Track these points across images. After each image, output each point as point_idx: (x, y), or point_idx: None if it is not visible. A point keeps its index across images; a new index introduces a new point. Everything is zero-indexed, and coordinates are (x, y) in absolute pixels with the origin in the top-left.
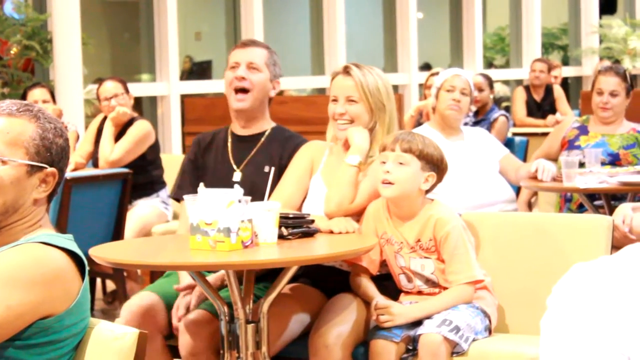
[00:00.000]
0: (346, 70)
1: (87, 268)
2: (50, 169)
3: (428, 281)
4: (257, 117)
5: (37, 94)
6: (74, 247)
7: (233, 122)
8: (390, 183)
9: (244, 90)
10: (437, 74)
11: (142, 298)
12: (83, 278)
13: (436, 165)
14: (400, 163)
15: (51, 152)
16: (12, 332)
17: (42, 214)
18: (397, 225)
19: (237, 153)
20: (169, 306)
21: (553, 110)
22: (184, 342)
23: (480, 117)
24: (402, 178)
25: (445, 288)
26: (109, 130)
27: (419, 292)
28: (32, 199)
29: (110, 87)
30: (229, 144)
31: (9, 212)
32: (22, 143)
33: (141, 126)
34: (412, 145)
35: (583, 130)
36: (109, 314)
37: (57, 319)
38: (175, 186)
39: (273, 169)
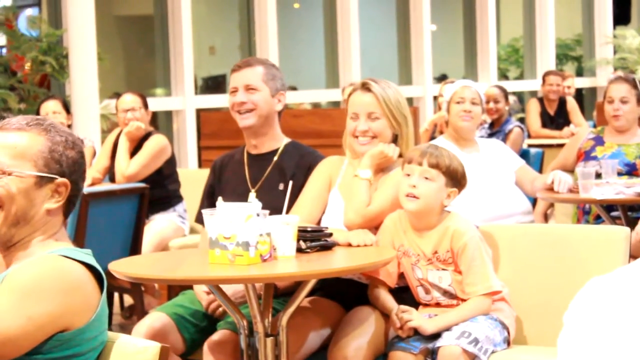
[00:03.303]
0: (365, 86)
1: (106, 282)
2: (60, 180)
3: (446, 293)
4: (267, 133)
5: (50, 106)
6: (93, 261)
7: (246, 141)
8: (415, 197)
9: (247, 110)
10: (452, 82)
11: (152, 319)
12: (101, 292)
13: (459, 182)
14: (426, 178)
15: (61, 164)
16: (33, 344)
17: (58, 228)
18: (415, 237)
19: (253, 172)
20: (179, 326)
21: (567, 123)
22: None
23: (496, 128)
24: (427, 193)
25: (463, 300)
26: (124, 145)
27: (437, 304)
28: (45, 209)
29: (129, 100)
30: (246, 164)
31: (20, 224)
32: (30, 156)
33: (157, 140)
34: (439, 161)
35: (599, 141)
36: (127, 329)
37: (78, 332)
38: (197, 212)
39: (291, 182)
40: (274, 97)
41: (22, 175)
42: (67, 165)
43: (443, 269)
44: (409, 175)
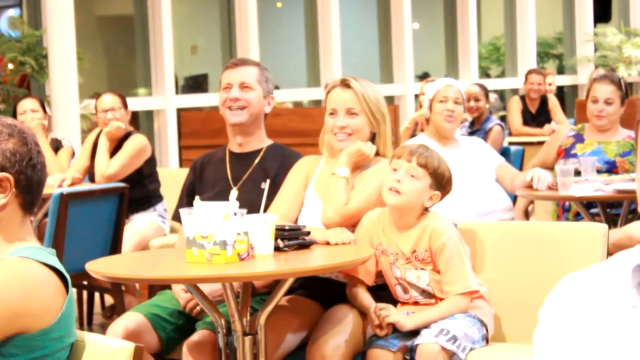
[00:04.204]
0: (344, 83)
1: (70, 281)
2: (0, 175)
3: (424, 292)
4: (254, 133)
5: (27, 104)
6: (55, 262)
7: (230, 140)
8: (398, 192)
9: (239, 107)
10: (433, 80)
11: (127, 320)
12: (67, 292)
13: (443, 186)
14: (412, 175)
15: None
16: None
17: (17, 225)
18: (393, 236)
19: (235, 171)
20: (155, 325)
21: (548, 120)
22: None
23: (476, 127)
24: (410, 191)
25: (441, 299)
26: (103, 145)
27: (415, 303)
28: None
29: (108, 100)
30: (227, 162)
31: None
32: None
33: (137, 140)
34: (428, 162)
35: (579, 138)
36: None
37: (41, 333)
38: (175, 210)
39: (268, 181)
40: (265, 98)
41: None
42: (4, 158)
43: (421, 269)
44: (395, 170)
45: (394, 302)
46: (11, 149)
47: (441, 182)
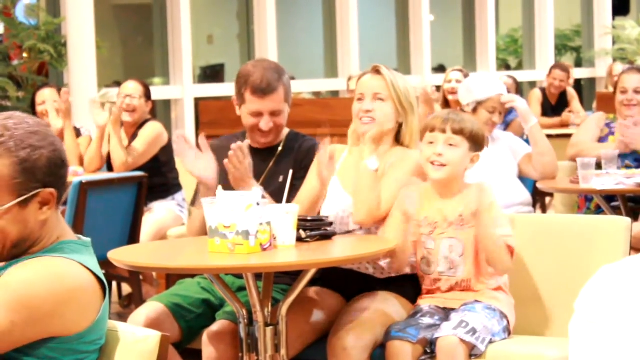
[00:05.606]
0: (375, 70)
1: (107, 286)
2: (44, 190)
3: (451, 269)
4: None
5: (46, 94)
6: (93, 263)
7: (249, 135)
8: (442, 165)
9: (270, 130)
10: (460, 71)
11: (148, 309)
12: (104, 294)
13: (480, 145)
14: (451, 144)
15: (35, 176)
16: (13, 347)
17: (56, 225)
18: (438, 204)
19: (255, 167)
20: (176, 315)
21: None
22: (209, 354)
23: None
24: (454, 160)
25: (463, 285)
26: (115, 133)
27: (438, 288)
28: (40, 222)
29: (130, 87)
30: None
31: (20, 244)
32: (3, 185)
33: (152, 127)
34: (463, 126)
35: (611, 130)
36: (125, 318)
37: (78, 337)
38: (194, 196)
39: (291, 171)
40: (288, 104)
41: (2, 210)
42: (42, 172)
43: (457, 239)
44: (432, 143)
45: (416, 292)
46: (43, 160)
47: (478, 142)
